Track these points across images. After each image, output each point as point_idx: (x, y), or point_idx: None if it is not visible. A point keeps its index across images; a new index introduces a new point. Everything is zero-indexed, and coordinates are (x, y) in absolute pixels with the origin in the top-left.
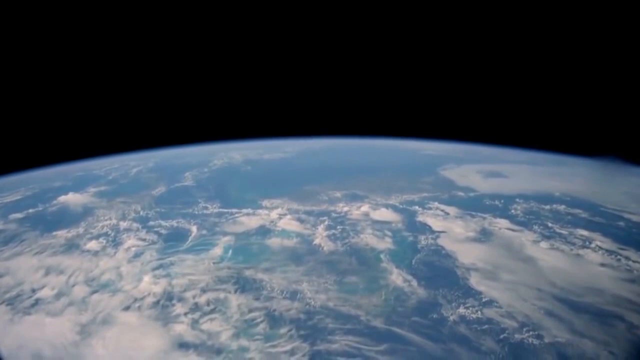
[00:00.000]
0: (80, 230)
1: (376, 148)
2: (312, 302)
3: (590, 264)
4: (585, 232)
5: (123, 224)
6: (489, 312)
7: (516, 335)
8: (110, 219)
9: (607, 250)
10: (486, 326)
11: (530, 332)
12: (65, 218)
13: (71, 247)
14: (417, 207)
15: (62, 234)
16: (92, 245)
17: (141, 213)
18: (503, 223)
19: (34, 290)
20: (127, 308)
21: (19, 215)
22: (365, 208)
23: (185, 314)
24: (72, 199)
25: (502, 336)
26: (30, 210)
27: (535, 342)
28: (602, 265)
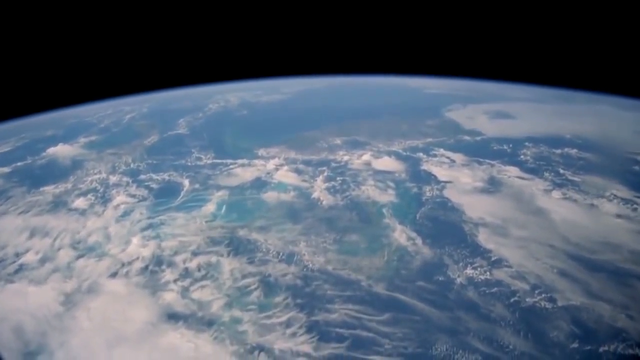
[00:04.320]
0: (69, 185)
1: (378, 87)
2: (310, 265)
3: (605, 215)
4: (599, 179)
5: (113, 178)
6: (499, 273)
7: (527, 299)
8: (99, 172)
9: (622, 199)
10: (495, 289)
11: (543, 295)
12: (54, 172)
13: (58, 205)
14: (421, 154)
15: (50, 190)
16: (80, 203)
17: (132, 165)
18: (512, 171)
19: (17, 255)
20: (114, 274)
21: (6, 170)
22: (366, 156)
23: (175, 280)
24: (61, 150)
25: (512, 300)
26: (19, 164)
27: (548, 305)
28: (618, 216)
